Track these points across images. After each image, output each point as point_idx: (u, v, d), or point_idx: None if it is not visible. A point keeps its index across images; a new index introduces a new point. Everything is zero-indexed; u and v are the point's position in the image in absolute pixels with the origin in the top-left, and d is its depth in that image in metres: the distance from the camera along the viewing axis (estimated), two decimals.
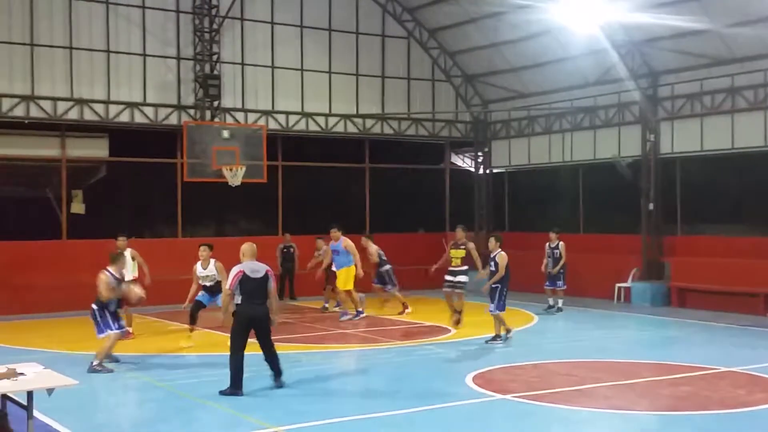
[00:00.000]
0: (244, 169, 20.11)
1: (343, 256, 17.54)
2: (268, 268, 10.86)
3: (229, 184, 20.07)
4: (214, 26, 21.10)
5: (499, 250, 14.82)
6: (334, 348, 14.67)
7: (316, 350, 14.41)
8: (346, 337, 15.88)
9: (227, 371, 10.63)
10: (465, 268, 16.50)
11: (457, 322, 16.22)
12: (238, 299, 10.62)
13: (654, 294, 20.22)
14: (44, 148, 20.53)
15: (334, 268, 17.98)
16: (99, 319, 12.29)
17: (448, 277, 16.50)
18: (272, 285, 10.83)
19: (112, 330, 12.26)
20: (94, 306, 12.36)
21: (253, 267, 10.72)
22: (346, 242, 17.53)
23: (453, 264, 16.55)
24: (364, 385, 11.92)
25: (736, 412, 9.69)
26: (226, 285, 10.84)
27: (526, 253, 21.12)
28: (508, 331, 14.87)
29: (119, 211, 21.99)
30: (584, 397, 10.41)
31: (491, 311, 14.65)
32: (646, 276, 20.79)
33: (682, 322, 17.59)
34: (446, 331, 16.22)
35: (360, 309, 17.72)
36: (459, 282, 16.43)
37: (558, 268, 18.79)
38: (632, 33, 20.03)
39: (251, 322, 10.64)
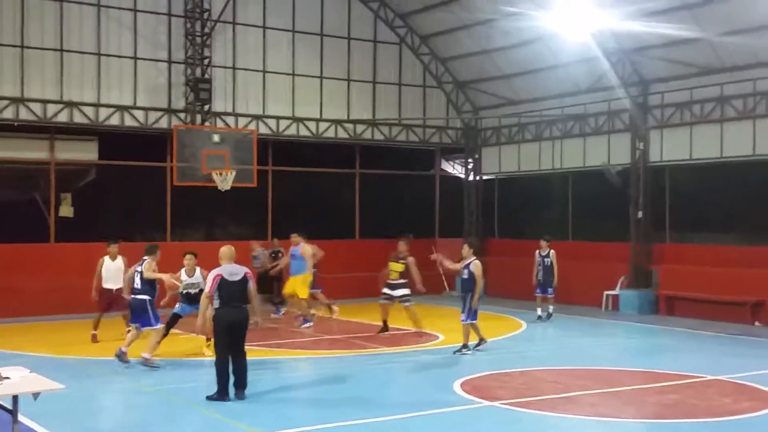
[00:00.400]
0: (234, 173, 20.06)
1: (299, 261, 17.34)
2: (246, 270, 10.86)
3: (219, 188, 20.01)
4: (206, 30, 21.08)
5: (473, 258, 14.26)
6: (322, 354, 14.64)
7: (304, 356, 14.39)
8: (334, 343, 15.85)
9: (215, 376, 10.61)
10: (403, 281, 16.33)
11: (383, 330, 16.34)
12: (217, 303, 10.62)
13: (642, 302, 20.28)
14: (33, 151, 20.45)
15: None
16: (151, 311, 12.86)
17: (385, 290, 16.41)
18: (252, 287, 10.80)
19: (158, 324, 12.94)
20: (147, 297, 12.87)
21: (231, 270, 10.72)
22: (304, 248, 17.37)
23: (391, 277, 16.36)
24: (352, 392, 11.89)
25: (722, 421, 9.73)
26: (206, 289, 10.85)
27: (516, 259, 21.18)
28: (481, 340, 14.41)
29: (108, 214, 21.90)
30: (571, 405, 10.42)
31: (462, 321, 14.18)
32: (635, 284, 20.84)
33: (669, 330, 17.64)
34: (434, 337, 16.22)
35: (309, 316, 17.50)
36: (397, 296, 16.29)
37: (553, 278, 18.69)
38: (623, 41, 20.11)
39: (231, 325, 10.62)
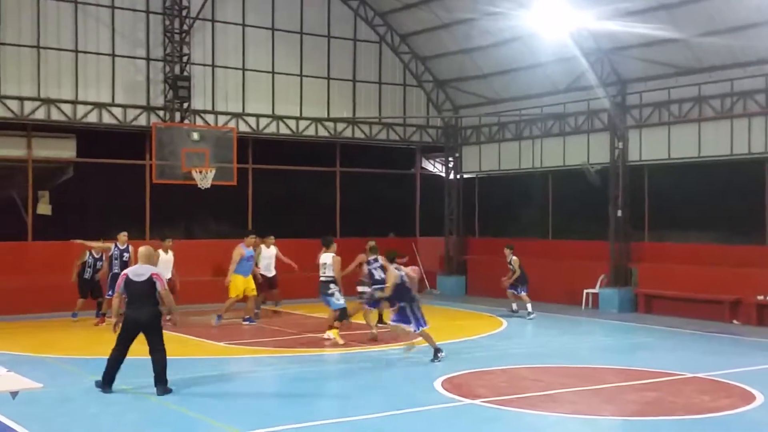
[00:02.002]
0: (213, 171, 19.96)
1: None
2: (154, 271, 10.88)
3: (199, 186, 19.91)
4: (185, 27, 20.97)
5: (389, 264, 13.75)
6: (304, 352, 14.59)
7: (286, 354, 14.33)
8: (316, 341, 15.79)
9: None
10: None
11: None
12: (125, 302, 10.88)
13: (621, 300, 20.38)
14: (10, 148, 20.25)
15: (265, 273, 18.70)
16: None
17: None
18: (160, 287, 10.80)
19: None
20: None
21: (137, 271, 10.85)
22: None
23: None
24: (331, 390, 11.88)
25: (700, 418, 9.79)
26: (115, 289, 11.15)
27: (496, 258, 21.22)
28: (411, 347, 13.78)
29: (86, 212, 21.73)
30: (551, 403, 10.45)
31: (414, 331, 13.60)
32: (614, 282, 20.95)
33: (648, 328, 17.75)
34: (415, 335, 16.18)
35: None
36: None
37: (511, 281, 19.28)
38: (601, 41, 20.20)
39: (136, 325, 10.75)
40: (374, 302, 15.13)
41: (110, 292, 16.80)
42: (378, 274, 15.24)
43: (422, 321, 13.48)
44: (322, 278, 15.33)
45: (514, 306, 19.44)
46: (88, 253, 17.83)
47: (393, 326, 13.96)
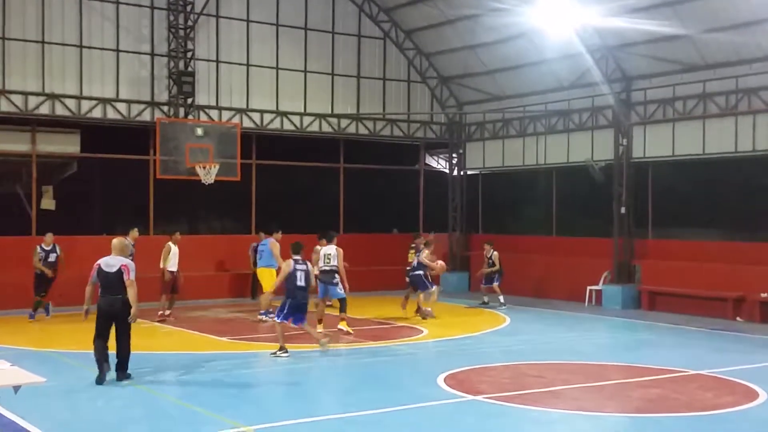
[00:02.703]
0: (217, 167, 20.00)
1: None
2: (125, 263, 11.18)
3: (203, 181, 19.95)
4: (189, 23, 20.96)
5: (289, 260, 13.61)
6: (305, 348, 14.60)
7: (290, 350, 14.32)
8: (318, 337, 15.79)
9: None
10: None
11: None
12: (99, 292, 11.25)
13: (625, 297, 20.36)
14: (14, 143, 20.27)
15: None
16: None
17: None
18: (126, 277, 11.06)
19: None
20: None
21: (109, 261, 11.21)
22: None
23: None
24: (336, 385, 11.89)
25: (704, 415, 9.77)
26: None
27: (500, 255, 21.19)
28: (280, 348, 13.35)
29: (90, 207, 21.77)
30: (554, 399, 10.45)
31: (279, 320, 13.57)
32: (617, 279, 20.93)
33: (652, 325, 17.73)
34: (419, 331, 16.23)
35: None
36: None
37: (486, 272, 20.57)
38: (606, 38, 20.16)
39: (106, 313, 11.15)
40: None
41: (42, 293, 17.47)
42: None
43: (282, 316, 13.37)
44: (326, 267, 15.65)
45: (486, 298, 20.53)
46: (39, 248, 17.62)
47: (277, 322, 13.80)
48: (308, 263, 13.67)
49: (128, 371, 11.27)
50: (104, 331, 11.20)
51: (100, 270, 11.17)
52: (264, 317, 17.32)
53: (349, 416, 9.57)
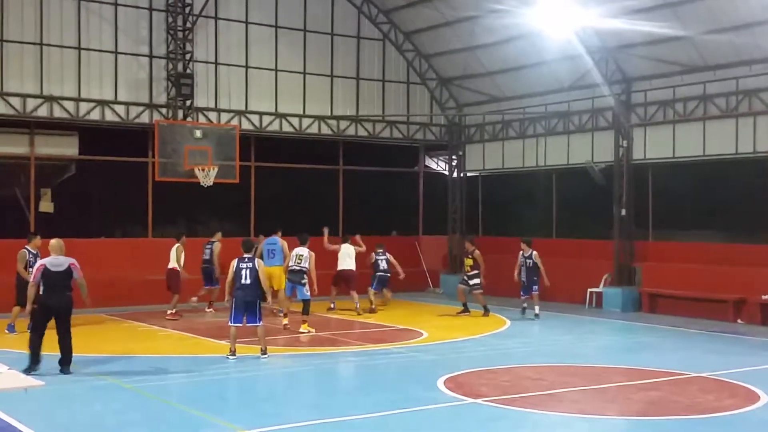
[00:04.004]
0: (216, 169, 19.95)
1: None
2: (72, 262, 11.77)
3: (201, 184, 19.91)
4: (188, 25, 20.91)
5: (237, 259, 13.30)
6: (305, 351, 14.56)
7: (288, 352, 14.29)
8: (318, 339, 15.76)
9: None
10: (475, 272, 18.94)
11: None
12: (41, 290, 11.64)
13: (625, 299, 20.30)
14: (13, 146, 20.23)
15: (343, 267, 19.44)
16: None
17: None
18: (78, 275, 11.77)
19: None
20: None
21: (54, 261, 11.71)
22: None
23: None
24: (335, 388, 11.84)
25: (704, 418, 9.73)
26: (31, 279, 11.86)
27: (500, 257, 21.16)
28: (230, 352, 13.13)
29: (89, 210, 21.71)
30: (554, 402, 10.39)
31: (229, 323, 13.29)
32: (618, 281, 20.87)
33: (652, 327, 17.67)
34: (419, 334, 16.18)
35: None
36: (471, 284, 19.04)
37: (537, 278, 18.75)
38: (606, 39, 20.12)
39: (51, 311, 11.68)
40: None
41: None
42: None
43: (258, 318, 13.17)
44: (295, 267, 16.47)
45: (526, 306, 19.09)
46: (25, 250, 15.82)
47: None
48: (256, 261, 13.23)
49: (71, 366, 11.79)
50: (42, 327, 11.71)
51: (46, 270, 11.60)
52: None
53: (349, 419, 9.51)
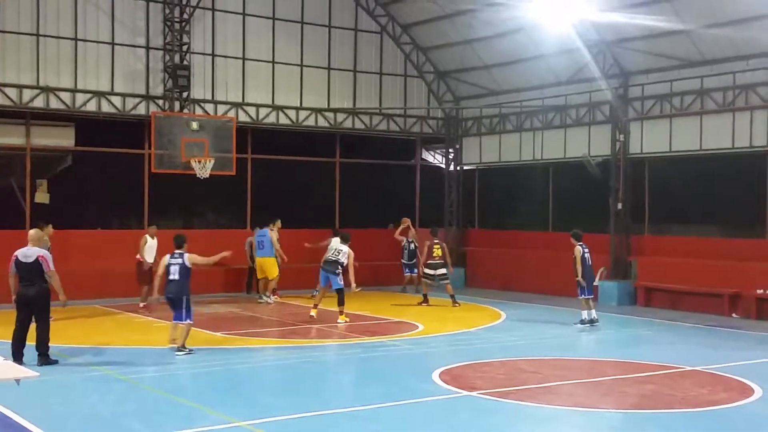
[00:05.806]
0: (213, 161, 19.90)
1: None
2: (41, 254, 11.77)
3: (198, 176, 19.86)
4: (185, 16, 20.84)
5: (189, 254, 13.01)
6: (301, 343, 14.57)
7: (283, 345, 14.30)
8: (313, 332, 15.78)
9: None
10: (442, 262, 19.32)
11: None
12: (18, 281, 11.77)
13: (621, 293, 20.34)
14: (9, 137, 20.16)
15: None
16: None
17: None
18: (46, 268, 11.69)
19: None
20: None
21: (25, 252, 11.79)
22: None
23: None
24: (330, 381, 11.85)
25: (699, 411, 9.76)
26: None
27: (496, 250, 21.17)
28: (182, 347, 12.81)
29: (85, 201, 21.68)
30: (549, 395, 10.41)
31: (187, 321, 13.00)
32: (614, 275, 20.90)
33: (647, 321, 17.71)
34: (414, 327, 16.19)
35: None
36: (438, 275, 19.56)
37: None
38: (604, 33, 20.11)
39: (26, 300, 11.75)
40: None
41: None
42: None
43: (184, 315, 12.91)
44: (332, 258, 16.68)
45: (585, 314, 16.69)
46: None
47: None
48: (185, 256, 12.86)
49: (52, 357, 11.78)
50: (24, 320, 11.77)
51: (17, 261, 11.71)
52: (268, 300, 19.51)
53: (344, 411, 9.53)
